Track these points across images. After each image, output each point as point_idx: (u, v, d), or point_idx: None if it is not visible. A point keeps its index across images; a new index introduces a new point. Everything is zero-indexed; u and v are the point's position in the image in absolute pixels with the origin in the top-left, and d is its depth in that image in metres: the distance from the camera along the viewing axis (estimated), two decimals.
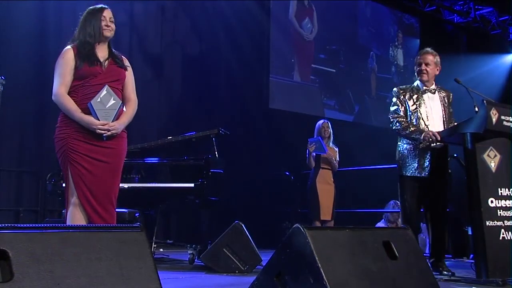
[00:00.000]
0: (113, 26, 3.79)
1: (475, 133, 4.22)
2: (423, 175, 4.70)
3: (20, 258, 1.94)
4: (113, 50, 3.85)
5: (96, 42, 3.76)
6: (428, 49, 4.94)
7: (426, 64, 4.84)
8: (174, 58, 8.69)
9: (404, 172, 4.79)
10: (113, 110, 3.61)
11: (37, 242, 2.02)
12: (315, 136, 6.92)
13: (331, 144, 6.96)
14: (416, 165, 4.72)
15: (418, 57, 4.93)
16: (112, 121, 3.62)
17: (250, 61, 9.22)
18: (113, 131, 3.62)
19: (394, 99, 4.89)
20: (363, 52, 11.39)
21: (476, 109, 4.33)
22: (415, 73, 4.94)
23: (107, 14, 3.79)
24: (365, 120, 11.06)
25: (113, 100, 3.62)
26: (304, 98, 10.15)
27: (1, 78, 4.97)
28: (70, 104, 3.60)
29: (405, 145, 4.81)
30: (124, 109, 3.77)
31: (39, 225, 2.15)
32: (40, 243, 2.03)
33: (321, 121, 7.05)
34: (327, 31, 10.67)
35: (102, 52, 3.78)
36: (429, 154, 4.69)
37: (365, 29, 11.45)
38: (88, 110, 3.59)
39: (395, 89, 4.96)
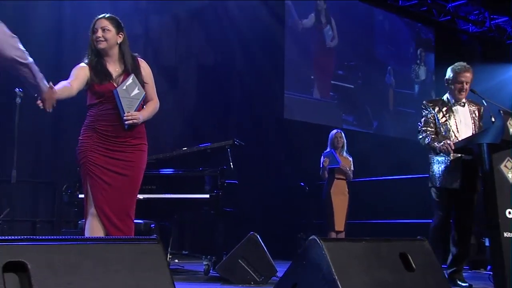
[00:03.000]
0: (107, 35, 3.63)
1: (492, 144, 4.18)
2: (454, 187, 4.65)
3: (39, 270, 1.95)
4: (131, 56, 3.75)
5: (104, 57, 3.70)
6: (467, 65, 4.80)
7: (467, 83, 4.78)
8: (189, 70, 8.74)
9: (435, 183, 4.75)
10: (137, 100, 3.63)
11: (55, 254, 2.03)
12: (328, 146, 6.93)
13: (344, 153, 6.95)
14: (447, 176, 4.65)
15: (459, 74, 4.75)
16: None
17: (264, 72, 9.25)
18: (135, 121, 3.61)
19: (424, 112, 4.84)
20: (380, 67, 11.40)
21: (493, 119, 4.30)
22: (451, 89, 4.79)
23: (98, 24, 3.66)
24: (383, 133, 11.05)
25: (138, 90, 3.64)
26: (322, 114, 10.17)
27: (19, 90, 5.02)
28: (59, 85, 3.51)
29: (437, 157, 4.74)
30: None
31: (58, 237, 2.16)
32: (59, 255, 2.04)
33: (334, 131, 7.05)
34: (345, 45, 10.71)
35: (114, 66, 3.72)
36: (460, 166, 4.64)
37: (382, 44, 11.48)
38: (102, 117, 3.62)
39: (424, 102, 4.92)
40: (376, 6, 11.22)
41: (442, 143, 4.54)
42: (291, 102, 9.74)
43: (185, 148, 5.79)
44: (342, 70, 10.70)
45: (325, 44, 10.47)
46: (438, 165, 4.73)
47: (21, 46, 3.02)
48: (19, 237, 2.02)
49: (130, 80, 3.62)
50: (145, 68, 3.82)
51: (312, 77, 10.20)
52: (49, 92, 3.32)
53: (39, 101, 3.34)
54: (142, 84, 3.72)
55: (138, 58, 3.82)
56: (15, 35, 3.02)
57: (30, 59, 3.07)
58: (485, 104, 4.73)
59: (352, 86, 10.77)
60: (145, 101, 3.77)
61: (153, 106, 3.82)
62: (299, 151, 9.10)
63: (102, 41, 3.64)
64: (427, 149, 4.81)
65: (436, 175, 4.73)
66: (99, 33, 3.64)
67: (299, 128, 9.47)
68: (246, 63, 9.05)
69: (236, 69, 9.09)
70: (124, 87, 3.59)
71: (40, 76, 3.18)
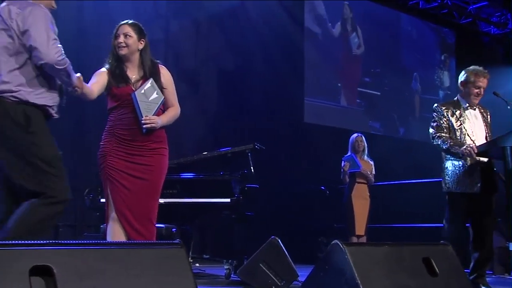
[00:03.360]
0: (129, 41, 3.68)
1: None
2: (474, 191, 4.58)
3: (64, 274, 1.97)
4: (152, 62, 3.79)
5: (124, 62, 3.74)
6: (485, 70, 4.72)
7: (483, 89, 4.70)
8: (209, 74, 8.77)
9: (453, 188, 4.66)
10: (155, 104, 3.64)
11: (80, 258, 2.06)
12: (349, 150, 6.90)
13: (365, 157, 6.93)
14: (467, 181, 4.56)
15: (477, 79, 4.67)
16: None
17: (284, 75, 9.24)
18: (153, 125, 3.63)
19: (436, 115, 4.78)
20: (406, 73, 11.35)
21: None
22: (466, 92, 4.71)
23: (121, 30, 3.72)
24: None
25: (156, 94, 3.65)
26: (348, 120, 10.16)
27: None
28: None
29: (453, 161, 4.66)
30: None
31: (82, 241, 2.19)
32: (83, 260, 2.06)
33: (354, 135, 7.03)
34: (371, 53, 10.70)
35: (133, 71, 3.76)
36: (478, 169, 4.59)
37: (408, 51, 11.43)
38: (123, 115, 3.66)
39: (436, 105, 4.84)
40: (397, 9, 11.16)
41: (465, 147, 4.49)
42: (313, 108, 9.73)
43: (206, 153, 5.80)
44: (368, 77, 10.69)
45: (351, 52, 10.47)
46: (455, 169, 4.63)
47: (60, 51, 3.12)
48: (44, 241, 2.05)
49: (148, 84, 3.64)
50: (165, 75, 3.84)
51: (339, 84, 10.23)
52: (79, 80, 3.39)
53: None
54: (162, 89, 3.74)
55: (159, 65, 3.84)
56: (55, 38, 3.12)
57: (67, 62, 3.16)
58: (509, 107, 4.66)
59: (379, 93, 10.74)
60: (165, 106, 3.79)
61: (174, 112, 3.83)
62: (319, 155, 9.07)
63: (124, 47, 3.69)
64: (443, 153, 4.75)
65: (454, 180, 4.62)
66: (121, 38, 3.69)
67: (319, 132, 9.43)
68: (266, 66, 9.04)
69: (256, 73, 9.09)
70: (142, 91, 3.61)
71: (73, 74, 3.27)
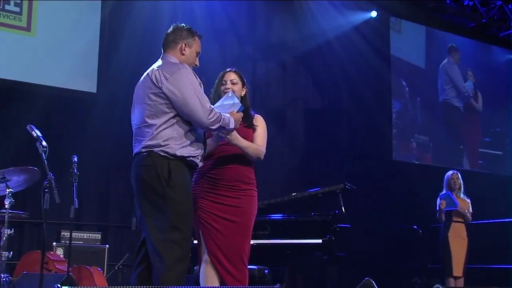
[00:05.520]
0: (235, 88, 3.82)
1: None
2: None
3: None
4: (249, 110, 3.89)
5: None
6: None
7: None
8: (296, 113, 8.80)
9: None
10: (230, 104, 3.67)
11: None
12: (444, 189, 6.69)
13: (462, 195, 6.70)
14: None
15: None
16: None
17: (372, 112, 9.13)
18: (230, 138, 3.65)
19: None
20: None
21: None
22: None
23: (227, 77, 3.87)
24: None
25: (234, 101, 3.68)
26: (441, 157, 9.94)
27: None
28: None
29: None
30: None
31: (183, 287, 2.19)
32: None
33: (450, 172, 6.81)
34: (488, 109, 10.47)
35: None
36: None
37: None
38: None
39: None
40: (475, 39, 10.79)
41: None
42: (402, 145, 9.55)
43: (295, 193, 5.77)
44: (489, 137, 10.52)
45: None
46: None
47: (209, 114, 3.34)
48: (146, 287, 2.07)
49: (229, 94, 3.72)
50: (258, 120, 3.92)
51: (461, 146, 10.13)
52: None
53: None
54: (253, 127, 3.83)
55: (256, 114, 3.95)
56: (209, 106, 3.35)
57: (219, 120, 3.37)
58: None
59: (501, 153, 10.53)
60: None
61: (256, 146, 3.82)
62: (409, 193, 8.86)
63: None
64: None
65: None
66: (229, 85, 3.84)
67: (409, 169, 9.23)
68: (353, 104, 8.98)
69: (344, 111, 9.04)
70: (219, 103, 3.67)
71: (230, 123, 3.45)
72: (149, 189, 3.29)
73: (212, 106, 3.40)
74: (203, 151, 3.51)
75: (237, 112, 3.59)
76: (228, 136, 3.63)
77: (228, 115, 3.48)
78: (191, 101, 3.29)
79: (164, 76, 3.35)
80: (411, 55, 9.97)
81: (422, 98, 10.01)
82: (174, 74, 3.35)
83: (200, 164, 3.48)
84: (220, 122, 3.37)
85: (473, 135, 10.30)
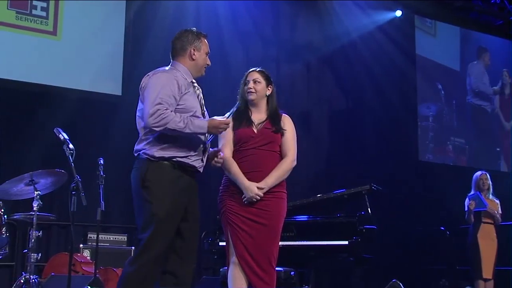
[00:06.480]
0: (258, 87, 3.80)
1: None
2: None
3: None
4: (276, 108, 3.87)
5: (251, 106, 3.84)
6: None
7: None
8: (321, 115, 8.75)
9: None
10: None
11: None
12: (472, 189, 6.59)
13: (491, 196, 6.60)
14: None
15: None
16: None
17: (398, 112, 9.05)
18: (255, 196, 3.64)
19: None
20: None
21: None
22: None
23: (250, 77, 3.85)
24: None
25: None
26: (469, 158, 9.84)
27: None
28: (233, 168, 3.70)
29: None
30: None
31: None
32: None
33: (479, 173, 6.71)
34: None
35: (258, 114, 3.84)
36: None
37: None
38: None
39: None
40: (503, 37, 10.61)
41: None
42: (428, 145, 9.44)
43: (320, 195, 5.73)
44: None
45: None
46: None
47: (153, 115, 3.22)
48: None
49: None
50: (285, 122, 3.88)
51: (498, 149, 10.08)
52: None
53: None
54: (282, 131, 3.79)
55: (284, 114, 3.91)
56: (160, 108, 3.23)
57: (184, 126, 3.25)
58: None
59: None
60: (282, 152, 3.79)
61: (284, 165, 3.79)
62: (437, 194, 8.77)
63: (253, 92, 3.81)
64: None
65: None
66: (251, 84, 3.82)
67: (436, 170, 9.12)
68: (378, 105, 8.90)
69: (369, 111, 8.97)
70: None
71: (194, 128, 3.30)
72: (133, 191, 3.36)
73: (169, 108, 3.24)
74: (200, 151, 3.42)
75: (228, 116, 3.55)
76: (262, 186, 3.65)
77: (203, 120, 3.38)
78: (146, 100, 3.28)
79: (144, 80, 3.40)
80: (446, 58, 9.89)
81: (457, 101, 9.94)
82: (151, 76, 3.38)
83: (200, 164, 3.42)
84: (168, 125, 3.21)
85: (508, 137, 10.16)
